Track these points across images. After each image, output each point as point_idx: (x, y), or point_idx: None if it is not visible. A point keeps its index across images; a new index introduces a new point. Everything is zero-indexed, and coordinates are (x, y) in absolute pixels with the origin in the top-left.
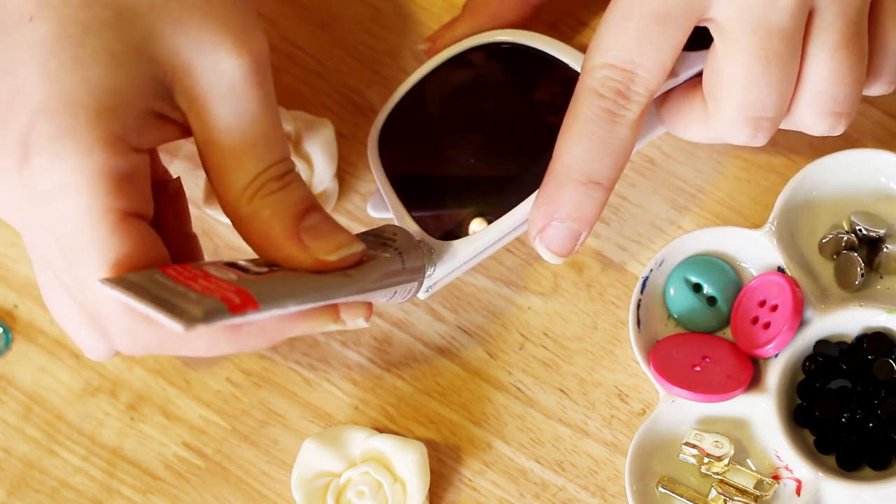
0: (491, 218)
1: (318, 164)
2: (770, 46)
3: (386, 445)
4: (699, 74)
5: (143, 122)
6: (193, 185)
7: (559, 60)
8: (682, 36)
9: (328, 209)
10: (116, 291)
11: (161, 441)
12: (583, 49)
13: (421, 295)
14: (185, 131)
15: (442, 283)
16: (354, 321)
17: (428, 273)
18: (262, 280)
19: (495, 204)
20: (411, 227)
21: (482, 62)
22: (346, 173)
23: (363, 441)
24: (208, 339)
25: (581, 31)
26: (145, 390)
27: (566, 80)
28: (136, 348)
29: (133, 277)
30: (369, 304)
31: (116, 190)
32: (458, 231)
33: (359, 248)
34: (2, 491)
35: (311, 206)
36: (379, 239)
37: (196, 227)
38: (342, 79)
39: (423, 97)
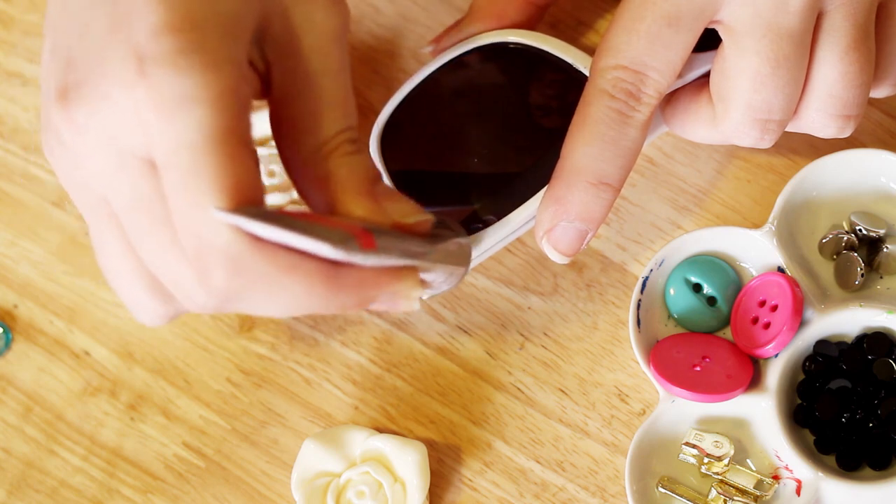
0: (494, 218)
1: None
2: (779, 49)
3: (386, 445)
4: (704, 76)
5: (249, 56)
6: None
7: (564, 61)
8: (693, 38)
9: None
10: (241, 217)
11: (161, 441)
12: (587, 50)
13: (423, 295)
14: (257, 91)
15: None
16: (416, 297)
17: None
18: (372, 225)
19: (499, 204)
20: None
21: (487, 62)
22: None
23: (363, 441)
24: (306, 287)
25: (581, 31)
26: (145, 390)
27: (571, 80)
28: (231, 284)
29: (250, 210)
30: (426, 283)
31: (239, 113)
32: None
33: (431, 217)
34: (2, 491)
35: (379, 175)
36: (437, 220)
37: None
38: None
39: (427, 96)
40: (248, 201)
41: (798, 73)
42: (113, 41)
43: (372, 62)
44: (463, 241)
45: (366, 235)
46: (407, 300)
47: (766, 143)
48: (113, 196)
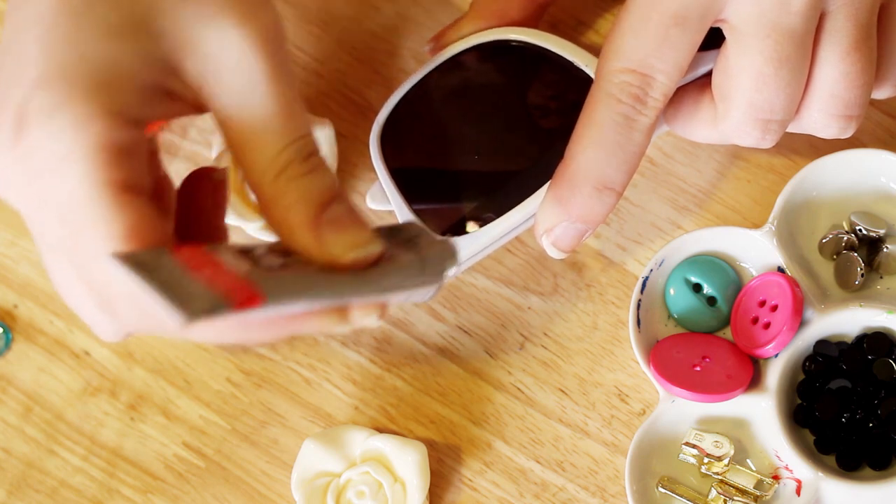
0: (493, 216)
1: None
2: (782, 49)
3: (386, 445)
4: (706, 75)
5: (145, 98)
6: None
7: (566, 59)
8: (699, 38)
9: None
10: (124, 269)
11: (161, 441)
12: (587, 49)
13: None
14: (199, 108)
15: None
16: (364, 320)
17: (450, 274)
18: (273, 275)
19: (498, 201)
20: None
21: (488, 60)
22: (346, 173)
23: (363, 441)
24: (213, 327)
25: (581, 31)
26: (145, 390)
27: (572, 79)
28: (142, 325)
29: (142, 255)
30: (384, 304)
31: (115, 162)
32: (461, 228)
33: (377, 249)
34: (2, 491)
35: (336, 195)
36: (400, 236)
37: None
38: (342, 79)
39: (427, 93)
40: (147, 243)
41: (800, 74)
42: (5, 97)
43: (372, 62)
44: (430, 263)
45: (248, 292)
46: (336, 330)
47: (768, 144)
48: (41, 231)
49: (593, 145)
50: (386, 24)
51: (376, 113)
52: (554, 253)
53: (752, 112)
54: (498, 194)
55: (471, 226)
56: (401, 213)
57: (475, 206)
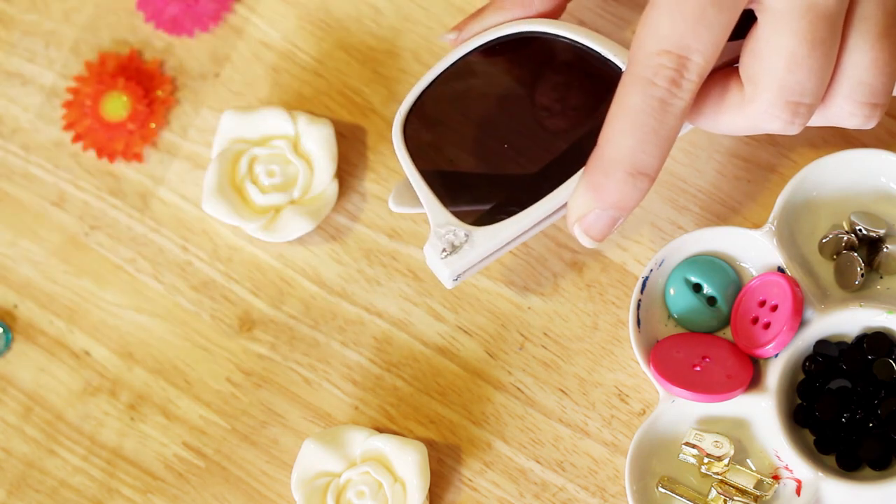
0: (521, 207)
1: (318, 164)
2: (816, 31)
3: (386, 445)
4: (725, 65)
5: None
6: (193, 184)
7: (593, 50)
8: (734, 19)
9: (328, 209)
10: None
11: (161, 441)
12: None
13: (448, 284)
14: None
15: (471, 272)
16: None
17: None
18: None
19: (526, 192)
20: (440, 211)
21: (514, 51)
22: (346, 173)
23: (363, 441)
24: None
25: None
26: (145, 390)
27: (600, 69)
28: None
29: None
30: None
31: None
32: (488, 218)
33: None
34: (2, 491)
35: None
36: None
37: (196, 227)
38: (342, 79)
39: (451, 84)
40: None
41: (831, 57)
42: None
43: (372, 62)
44: None
45: None
46: None
47: (795, 129)
48: None
49: (627, 130)
50: (386, 24)
51: (376, 113)
52: (586, 241)
53: (782, 94)
54: (526, 185)
55: (496, 218)
56: (428, 203)
57: (502, 196)
